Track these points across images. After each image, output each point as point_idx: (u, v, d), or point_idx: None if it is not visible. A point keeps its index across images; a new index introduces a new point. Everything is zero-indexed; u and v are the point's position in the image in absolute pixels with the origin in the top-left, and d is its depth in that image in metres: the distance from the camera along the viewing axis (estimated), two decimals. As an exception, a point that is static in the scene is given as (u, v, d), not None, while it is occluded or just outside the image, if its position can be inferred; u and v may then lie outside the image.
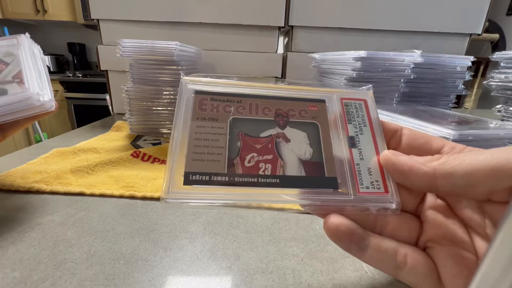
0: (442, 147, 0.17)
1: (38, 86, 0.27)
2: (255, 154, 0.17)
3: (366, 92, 0.21)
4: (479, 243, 0.15)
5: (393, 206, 0.17)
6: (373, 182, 0.17)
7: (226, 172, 0.17)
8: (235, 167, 0.17)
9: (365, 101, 0.21)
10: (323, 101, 0.20)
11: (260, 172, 0.17)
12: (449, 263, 0.16)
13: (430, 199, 0.18)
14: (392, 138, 0.19)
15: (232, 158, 0.17)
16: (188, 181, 0.16)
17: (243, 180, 0.17)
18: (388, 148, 0.19)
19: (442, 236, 0.17)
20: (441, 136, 0.25)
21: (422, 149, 0.18)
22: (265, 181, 0.17)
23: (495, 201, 0.14)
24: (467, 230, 0.16)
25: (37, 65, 0.29)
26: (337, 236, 0.16)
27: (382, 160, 0.18)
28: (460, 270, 0.15)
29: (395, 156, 0.17)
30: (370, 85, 0.22)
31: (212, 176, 0.16)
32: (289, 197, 0.17)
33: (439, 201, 0.18)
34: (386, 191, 0.17)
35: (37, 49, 0.31)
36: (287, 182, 0.17)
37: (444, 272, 0.16)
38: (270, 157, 0.18)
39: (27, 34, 0.31)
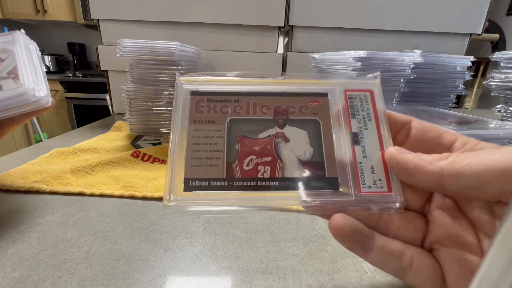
0: (454, 142, 0.17)
1: (34, 81, 0.26)
2: (254, 157, 0.17)
3: (373, 82, 0.20)
4: (487, 244, 0.15)
5: (397, 205, 0.16)
6: (375, 181, 0.17)
7: (225, 176, 0.17)
8: (233, 171, 0.17)
9: (371, 92, 0.19)
10: (325, 94, 0.19)
11: (259, 175, 0.17)
12: (454, 266, 0.15)
13: (438, 198, 0.17)
14: (400, 131, 0.18)
15: (230, 162, 0.17)
16: (188, 187, 0.16)
17: (242, 184, 0.17)
18: (395, 142, 0.18)
19: (448, 237, 0.16)
20: None
21: (432, 143, 0.17)
22: (264, 184, 0.17)
23: (506, 202, 0.14)
24: (475, 231, 0.16)
25: (32, 61, 0.29)
26: (342, 236, 0.15)
27: (387, 157, 0.17)
28: (464, 272, 0.15)
29: (400, 154, 0.16)
30: (378, 73, 0.20)
31: (211, 182, 0.16)
32: (289, 200, 0.17)
33: (447, 200, 0.17)
34: (390, 190, 0.17)
35: (33, 45, 0.31)
36: (286, 184, 0.17)
37: (449, 275, 0.15)
38: (269, 159, 0.17)
39: (22, 30, 0.31)
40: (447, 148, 0.17)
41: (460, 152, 0.15)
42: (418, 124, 0.18)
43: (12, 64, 0.27)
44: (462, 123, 0.30)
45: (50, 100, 0.27)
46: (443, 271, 0.16)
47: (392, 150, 0.17)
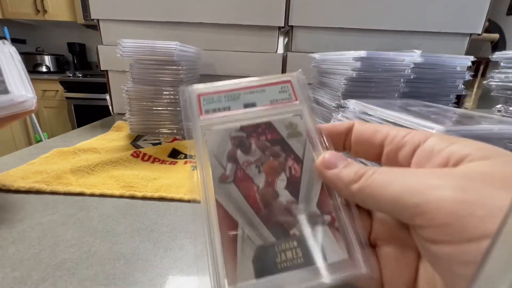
0: (384, 139, 0.17)
1: (20, 85, 0.27)
2: None
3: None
4: (418, 240, 0.15)
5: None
6: None
7: None
8: None
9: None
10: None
11: None
12: (391, 262, 0.16)
13: None
14: (347, 138, 0.19)
15: None
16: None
17: None
18: (344, 150, 0.18)
19: (388, 232, 0.16)
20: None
21: (367, 145, 0.18)
22: None
23: (405, 223, 0.14)
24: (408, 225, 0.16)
25: (16, 66, 0.29)
26: None
27: (317, 171, 0.17)
28: (399, 268, 0.15)
29: (324, 170, 0.16)
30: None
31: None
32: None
33: None
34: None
35: (12, 49, 0.31)
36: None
37: (385, 271, 0.16)
38: None
39: (4, 41, 0.31)
40: (380, 146, 0.17)
41: (387, 151, 0.17)
42: (357, 126, 0.18)
43: None
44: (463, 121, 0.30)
45: (34, 102, 0.27)
46: (381, 267, 0.16)
47: (319, 162, 0.17)
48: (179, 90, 0.19)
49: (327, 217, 0.16)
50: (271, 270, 0.14)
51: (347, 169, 0.16)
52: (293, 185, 0.17)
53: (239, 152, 0.17)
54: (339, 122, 0.19)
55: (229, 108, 0.19)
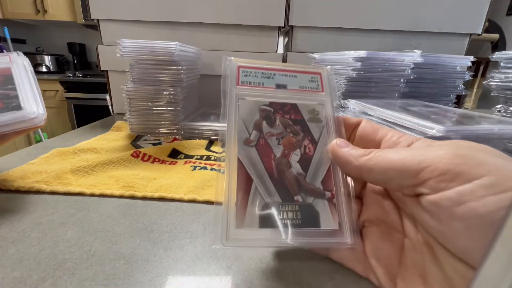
0: (383, 137, 0.20)
1: (32, 102, 0.28)
2: None
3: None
4: (407, 222, 0.18)
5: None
6: None
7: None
8: None
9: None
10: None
11: None
12: (375, 238, 0.18)
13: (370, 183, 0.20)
14: (353, 131, 0.21)
15: None
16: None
17: None
18: (349, 140, 0.20)
19: (377, 217, 0.19)
20: (426, 132, 0.25)
21: (369, 138, 0.20)
22: None
23: (405, 194, 0.17)
24: (398, 211, 0.18)
25: (29, 80, 0.29)
26: None
27: (330, 150, 0.19)
28: (383, 244, 0.18)
29: (338, 148, 0.19)
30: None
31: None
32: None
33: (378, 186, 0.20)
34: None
35: (26, 61, 0.31)
36: None
37: (368, 246, 0.18)
38: None
39: (19, 52, 0.32)
40: (379, 141, 0.20)
41: (384, 147, 0.19)
42: (364, 123, 0.21)
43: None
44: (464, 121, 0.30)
45: (44, 119, 0.28)
46: (365, 243, 0.18)
47: (333, 143, 0.19)
48: (222, 58, 0.21)
49: (328, 193, 0.18)
50: (273, 223, 0.17)
51: (356, 149, 0.18)
52: (305, 161, 0.19)
53: (264, 123, 0.20)
54: (350, 116, 0.22)
55: (263, 84, 0.21)
